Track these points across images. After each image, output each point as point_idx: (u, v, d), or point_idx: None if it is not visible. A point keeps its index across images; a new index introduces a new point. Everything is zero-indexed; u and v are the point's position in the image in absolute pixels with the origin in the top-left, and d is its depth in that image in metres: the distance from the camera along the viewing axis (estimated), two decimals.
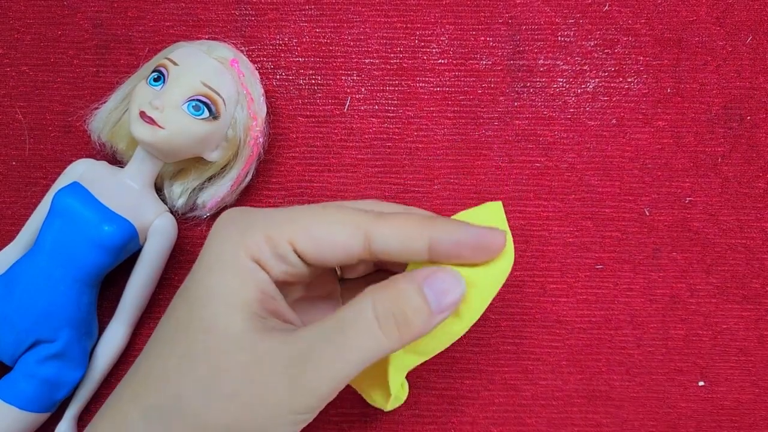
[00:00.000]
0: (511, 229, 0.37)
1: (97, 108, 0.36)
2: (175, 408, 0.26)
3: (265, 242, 0.27)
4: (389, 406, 0.32)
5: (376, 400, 0.31)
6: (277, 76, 0.38)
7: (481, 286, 0.28)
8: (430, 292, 0.26)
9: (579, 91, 0.38)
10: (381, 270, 0.33)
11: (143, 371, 0.27)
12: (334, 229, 0.27)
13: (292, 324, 0.28)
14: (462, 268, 0.27)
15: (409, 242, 0.27)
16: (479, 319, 0.36)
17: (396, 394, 0.33)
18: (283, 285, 0.28)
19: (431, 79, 0.38)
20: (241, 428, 0.25)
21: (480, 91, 0.38)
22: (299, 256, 0.27)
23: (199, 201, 0.36)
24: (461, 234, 0.27)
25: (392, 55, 0.39)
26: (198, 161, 0.36)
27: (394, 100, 0.38)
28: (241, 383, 0.25)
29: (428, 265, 0.28)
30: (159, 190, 0.36)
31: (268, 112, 0.36)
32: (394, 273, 0.32)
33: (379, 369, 0.30)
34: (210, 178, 0.36)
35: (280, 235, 0.27)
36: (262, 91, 0.36)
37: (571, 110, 0.38)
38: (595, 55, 0.39)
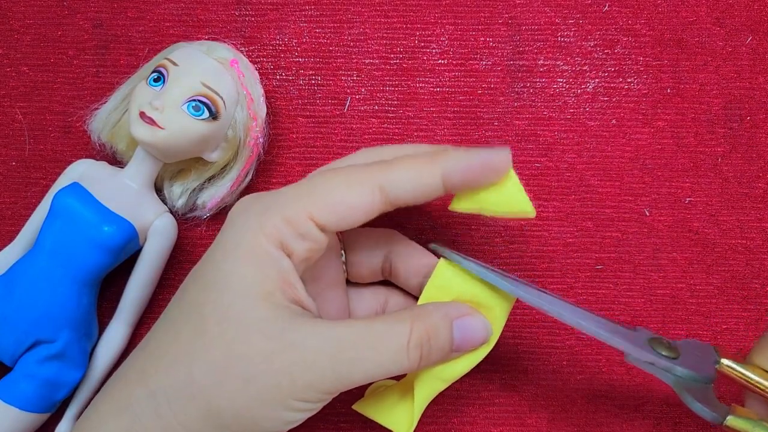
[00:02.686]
0: (511, 229, 0.37)
1: (97, 108, 0.36)
2: (186, 390, 0.26)
3: (285, 224, 0.27)
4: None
5: (393, 424, 0.31)
6: (277, 77, 0.38)
7: (498, 311, 0.30)
8: (458, 332, 0.28)
9: (579, 91, 0.38)
10: (387, 283, 0.34)
11: (151, 351, 0.27)
12: (349, 191, 0.27)
13: (311, 311, 0.28)
14: (481, 292, 0.29)
15: (422, 181, 0.27)
16: None
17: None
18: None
19: (431, 79, 0.38)
20: (251, 413, 0.26)
21: (480, 92, 0.38)
22: (321, 229, 0.27)
23: (199, 201, 0.36)
24: (468, 159, 0.27)
25: (392, 55, 0.39)
26: (198, 162, 0.36)
27: (394, 100, 0.38)
28: (260, 370, 0.25)
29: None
30: (159, 190, 0.36)
31: (268, 112, 0.36)
32: (398, 283, 0.33)
33: (401, 397, 0.31)
34: (210, 179, 0.36)
35: (298, 213, 0.27)
36: (262, 91, 0.36)
37: (571, 110, 0.38)
38: (595, 55, 0.39)
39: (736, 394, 0.36)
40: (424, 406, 0.30)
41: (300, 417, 0.27)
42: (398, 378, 0.31)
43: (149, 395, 0.26)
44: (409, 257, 0.32)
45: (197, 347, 0.26)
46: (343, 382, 0.26)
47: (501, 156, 0.28)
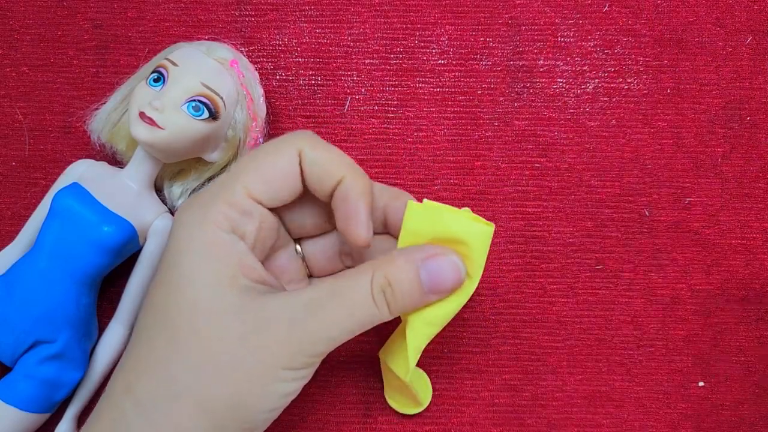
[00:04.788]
0: (511, 229, 0.37)
1: (96, 108, 0.36)
2: (171, 391, 0.26)
3: (228, 208, 0.27)
4: (415, 409, 0.35)
5: (397, 369, 0.31)
6: (277, 77, 0.38)
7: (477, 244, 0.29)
8: (425, 274, 0.28)
9: (579, 91, 0.38)
10: (349, 267, 0.34)
11: (131, 363, 0.27)
12: (275, 157, 0.28)
13: (275, 288, 0.28)
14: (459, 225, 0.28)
15: (326, 172, 0.28)
16: (479, 320, 0.36)
17: (423, 397, 0.35)
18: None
19: (431, 80, 0.38)
20: (241, 398, 0.26)
21: (480, 92, 0.38)
22: (260, 203, 0.28)
23: None
24: (351, 199, 0.28)
25: (392, 56, 0.39)
26: (198, 162, 0.36)
27: (394, 100, 0.38)
28: (239, 353, 0.26)
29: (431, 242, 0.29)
30: (159, 190, 0.36)
31: (267, 112, 0.36)
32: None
33: (401, 341, 0.31)
34: (210, 179, 0.36)
35: (236, 193, 0.28)
36: (262, 91, 0.36)
37: (571, 111, 0.38)
38: (595, 56, 0.39)
39: None
40: (419, 350, 0.30)
41: (293, 387, 0.27)
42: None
43: (136, 404, 0.26)
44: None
45: (171, 347, 0.26)
46: (323, 342, 0.26)
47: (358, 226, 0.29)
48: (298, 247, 0.33)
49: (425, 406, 0.36)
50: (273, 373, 0.26)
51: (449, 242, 0.29)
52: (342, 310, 0.26)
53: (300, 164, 0.29)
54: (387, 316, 0.27)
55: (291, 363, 0.26)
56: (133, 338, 0.28)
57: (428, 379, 0.36)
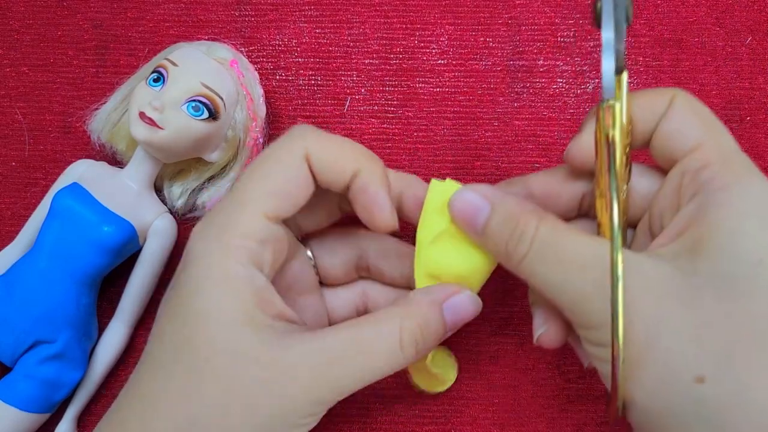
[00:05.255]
0: None
1: (97, 108, 0.36)
2: (191, 430, 0.26)
3: (245, 239, 0.27)
4: (439, 388, 0.35)
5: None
6: (277, 77, 0.38)
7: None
8: (449, 314, 0.28)
9: (579, 91, 0.38)
10: (363, 277, 0.34)
11: (144, 395, 0.27)
12: (285, 170, 0.28)
13: (295, 323, 0.28)
14: None
15: (339, 167, 0.28)
16: (479, 320, 0.36)
17: (445, 376, 0.34)
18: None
19: (431, 80, 0.38)
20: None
21: (480, 92, 0.38)
22: (276, 221, 0.28)
23: (199, 202, 0.36)
24: (368, 185, 0.28)
25: (392, 56, 0.39)
26: (198, 162, 0.36)
27: (394, 100, 0.38)
28: (260, 399, 0.25)
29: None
30: (159, 190, 0.36)
31: (267, 112, 0.36)
32: (383, 281, 0.33)
33: None
34: (210, 179, 0.36)
35: (252, 220, 0.27)
36: (262, 91, 0.36)
37: (571, 111, 0.38)
38: (595, 56, 0.39)
39: None
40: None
41: (303, 430, 0.27)
42: None
43: None
44: (387, 251, 0.32)
45: (192, 386, 0.26)
46: (341, 392, 0.26)
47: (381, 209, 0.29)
48: (309, 252, 0.32)
49: (450, 383, 0.35)
50: (290, 420, 0.26)
51: None
52: (366, 361, 0.26)
53: (309, 166, 0.28)
54: (411, 362, 0.27)
55: (308, 410, 0.26)
56: (144, 369, 0.27)
57: (451, 355, 0.35)
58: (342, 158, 0.28)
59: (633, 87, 0.38)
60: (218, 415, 0.25)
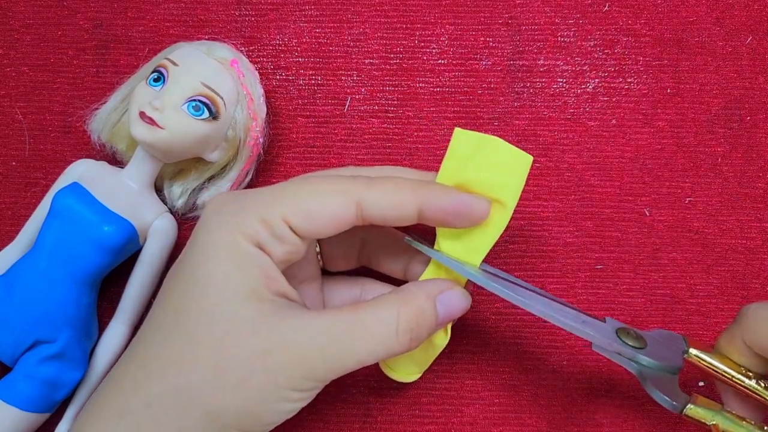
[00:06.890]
0: (511, 229, 0.37)
1: (97, 108, 0.36)
2: (182, 396, 0.26)
3: (261, 225, 0.27)
4: (413, 376, 0.34)
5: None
6: (277, 77, 0.38)
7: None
8: (441, 308, 0.29)
9: (579, 91, 0.38)
10: (363, 266, 0.34)
11: (141, 359, 0.27)
12: (327, 201, 0.27)
13: (296, 302, 0.28)
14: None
15: (398, 208, 0.28)
16: (479, 320, 0.36)
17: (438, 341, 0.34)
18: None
19: (431, 79, 0.38)
20: (250, 410, 0.26)
21: (480, 92, 0.38)
22: (295, 233, 0.27)
23: (199, 201, 0.36)
24: (446, 201, 0.28)
25: (392, 55, 0.39)
26: (198, 161, 0.36)
27: (394, 100, 0.38)
28: (255, 369, 0.26)
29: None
30: (159, 190, 0.36)
31: (268, 112, 0.36)
32: (381, 270, 0.34)
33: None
34: (210, 179, 0.36)
35: (274, 215, 0.27)
36: (262, 91, 0.36)
37: (571, 110, 0.38)
38: (595, 55, 0.39)
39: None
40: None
41: (297, 406, 0.27)
42: None
43: (146, 405, 0.26)
44: (389, 242, 0.33)
45: (188, 352, 0.26)
46: (335, 371, 0.27)
47: (479, 206, 0.28)
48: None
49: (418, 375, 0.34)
50: (282, 393, 0.26)
51: (489, 167, 0.29)
52: (362, 342, 0.27)
53: (358, 209, 0.28)
54: (405, 350, 0.28)
55: (301, 385, 0.26)
56: (143, 333, 0.28)
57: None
58: (401, 202, 0.28)
59: (633, 87, 0.38)
60: (211, 383, 0.26)
